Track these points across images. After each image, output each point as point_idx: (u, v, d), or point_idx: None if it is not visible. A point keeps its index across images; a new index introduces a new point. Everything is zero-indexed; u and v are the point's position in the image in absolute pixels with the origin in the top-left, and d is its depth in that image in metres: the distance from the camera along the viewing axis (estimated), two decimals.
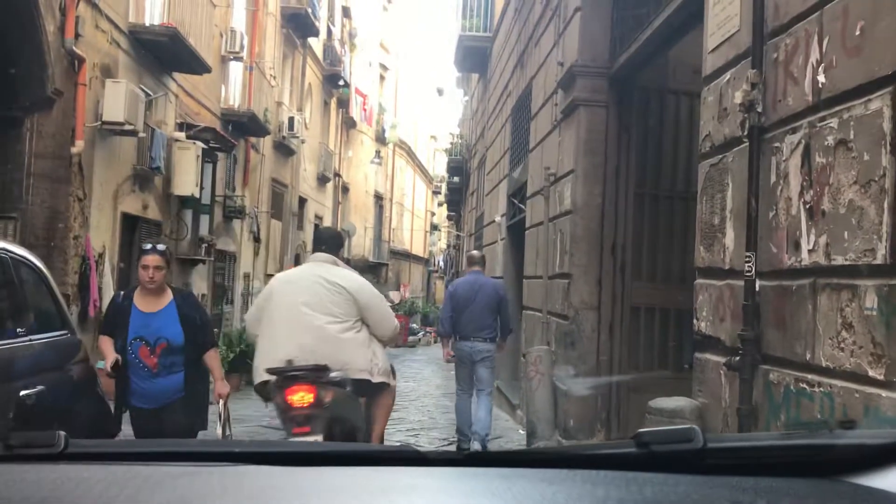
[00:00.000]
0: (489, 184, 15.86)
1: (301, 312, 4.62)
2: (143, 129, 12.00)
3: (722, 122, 4.06)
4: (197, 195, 14.72)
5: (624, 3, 7.59)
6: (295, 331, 4.60)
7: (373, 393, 4.81)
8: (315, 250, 5.29)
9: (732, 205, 3.90)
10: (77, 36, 10.18)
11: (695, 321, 4.31)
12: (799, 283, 3.21)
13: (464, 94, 29.66)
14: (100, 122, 10.97)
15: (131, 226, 12.66)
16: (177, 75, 14.32)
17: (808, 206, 3.16)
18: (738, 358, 3.58)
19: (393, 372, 5.06)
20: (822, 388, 2.99)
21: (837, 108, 2.95)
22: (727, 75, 4.02)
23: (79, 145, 10.33)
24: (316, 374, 4.39)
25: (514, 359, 12.29)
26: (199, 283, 16.28)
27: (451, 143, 28.80)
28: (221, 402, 5.10)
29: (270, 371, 4.52)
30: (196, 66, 13.92)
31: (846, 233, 2.86)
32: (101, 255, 11.30)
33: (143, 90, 12.29)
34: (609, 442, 6.48)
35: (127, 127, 11.18)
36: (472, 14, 17.58)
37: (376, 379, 4.71)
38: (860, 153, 2.80)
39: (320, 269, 4.87)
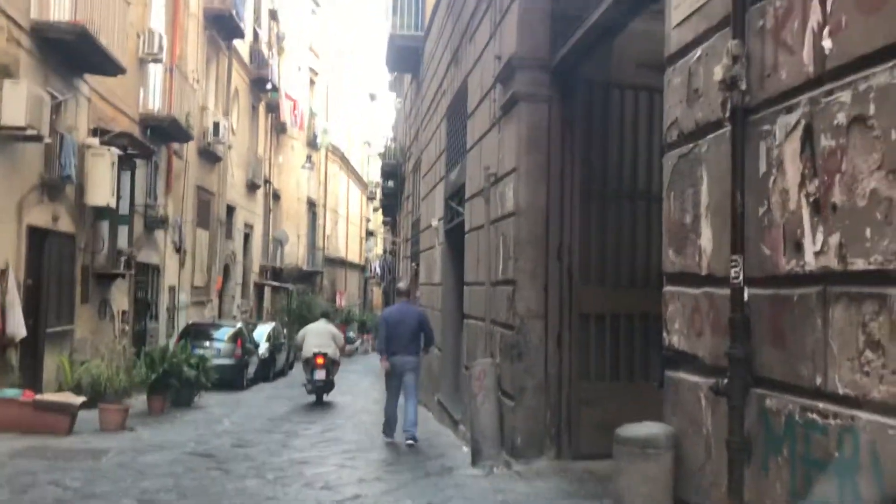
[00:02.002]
0: (425, 187, 15.27)
1: (322, 336, 14.27)
2: (49, 134, 11.06)
3: (692, 106, 3.53)
4: (114, 205, 13.74)
5: None
6: (320, 341, 14.09)
7: (334, 362, 14.34)
8: (322, 317, 15.53)
9: (709, 200, 3.36)
10: None
11: (664, 334, 3.78)
12: (802, 292, 2.68)
13: (396, 97, 29.07)
14: None
15: (40, 240, 11.67)
16: (89, 78, 13.36)
17: (812, 200, 2.64)
18: (725, 380, 3.03)
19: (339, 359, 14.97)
20: (840, 421, 2.46)
21: (850, 79, 2.43)
22: (698, 51, 3.50)
23: None
24: (324, 354, 13.92)
25: (456, 370, 11.71)
26: (119, 299, 15.28)
27: (385, 147, 28.19)
28: None
29: (315, 353, 13.91)
30: (108, 67, 12.99)
31: (868, 230, 2.34)
32: (3, 273, 10.33)
33: (49, 93, 11.35)
34: None
35: (30, 132, 10.24)
36: (402, 12, 16.98)
37: (337, 359, 14.47)
38: (885, 131, 2.28)
39: (326, 325, 14.84)
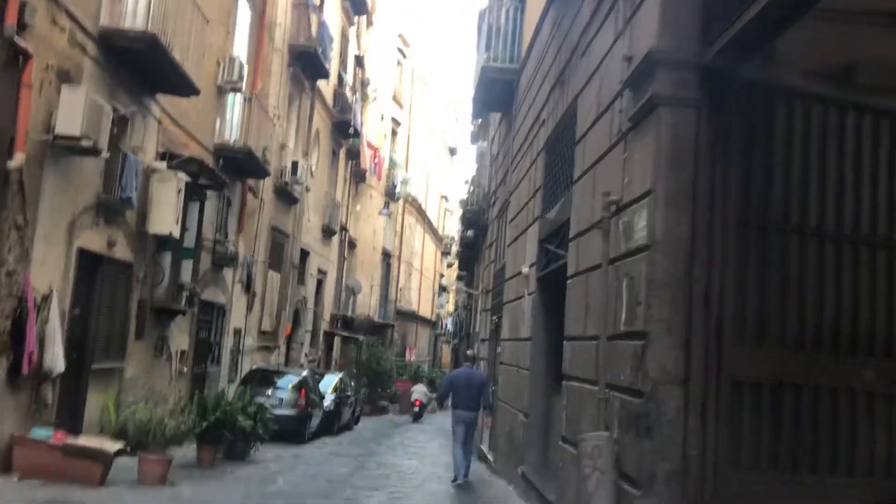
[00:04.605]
0: (513, 232, 13.83)
1: (419, 390, 29.69)
2: (109, 149, 10.04)
3: None
4: (177, 235, 12.66)
5: None
6: (419, 393, 29.25)
7: (424, 405, 29.04)
8: (419, 382, 32.81)
9: None
10: (23, 26, 8.30)
11: None
12: None
13: (481, 142, 27.96)
14: (52, 136, 9.04)
15: (91, 265, 10.58)
16: (162, 98, 12.47)
17: None
18: None
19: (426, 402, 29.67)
20: None
21: None
22: None
23: (18, 158, 8.34)
24: (420, 399, 28.89)
25: (545, 440, 10.07)
26: (179, 338, 14.13)
27: (469, 192, 26.96)
28: None
29: (415, 398, 28.80)
30: (181, 86, 12.05)
31: None
32: (45, 298, 9.22)
33: (113, 107, 10.37)
34: None
35: (85, 143, 9.21)
36: (496, 46, 15.72)
37: (426, 402, 29.32)
38: None
39: (421, 385, 31.11)
